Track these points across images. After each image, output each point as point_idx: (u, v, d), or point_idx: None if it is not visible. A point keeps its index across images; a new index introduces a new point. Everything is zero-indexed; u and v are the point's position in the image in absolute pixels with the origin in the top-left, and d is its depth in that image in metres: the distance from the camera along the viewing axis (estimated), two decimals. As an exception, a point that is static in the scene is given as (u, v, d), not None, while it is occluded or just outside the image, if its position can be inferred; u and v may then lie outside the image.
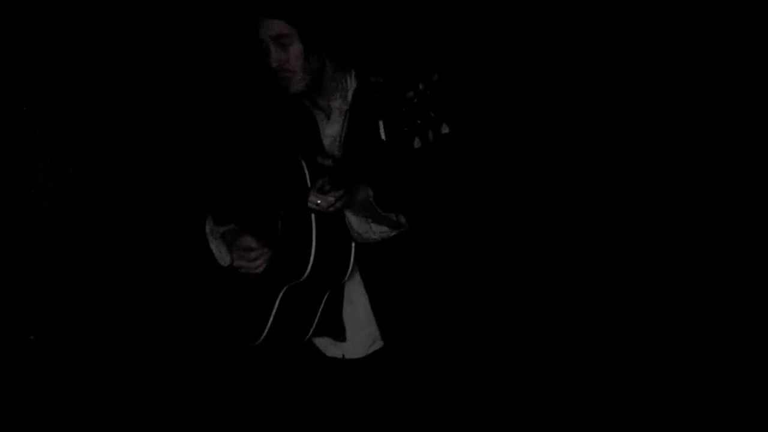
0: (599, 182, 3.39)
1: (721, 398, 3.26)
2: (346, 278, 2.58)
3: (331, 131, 2.65)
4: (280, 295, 2.60)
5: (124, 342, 3.78)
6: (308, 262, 2.46)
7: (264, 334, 2.63)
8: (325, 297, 2.63)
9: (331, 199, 2.33)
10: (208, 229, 2.83)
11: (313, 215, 2.45)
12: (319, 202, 2.34)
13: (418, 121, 2.01)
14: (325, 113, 2.66)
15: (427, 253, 2.60)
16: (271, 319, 2.63)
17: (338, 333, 2.66)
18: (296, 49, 2.50)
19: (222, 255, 2.79)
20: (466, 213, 2.51)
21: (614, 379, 3.46)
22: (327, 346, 2.70)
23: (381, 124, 2.10)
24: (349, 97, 2.62)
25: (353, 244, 2.53)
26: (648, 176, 3.39)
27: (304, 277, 2.50)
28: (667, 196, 3.42)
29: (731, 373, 3.29)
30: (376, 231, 2.49)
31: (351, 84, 2.63)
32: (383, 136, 2.09)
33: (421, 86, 2.02)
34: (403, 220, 2.49)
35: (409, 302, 2.60)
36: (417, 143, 2.03)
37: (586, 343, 3.49)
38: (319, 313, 2.65)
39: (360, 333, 2.64)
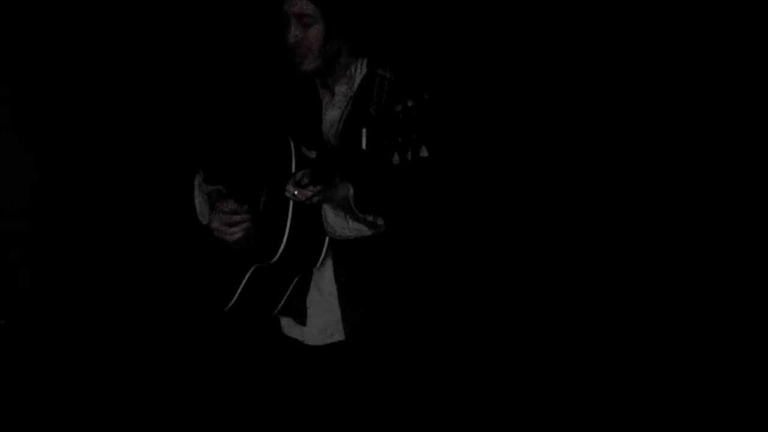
0: (579, 199, 3.35)
1: (721, 398, 3.23)
2: (316, 267, 2.56)
3: (332, 115, 2.60)
4: (250, 271, 2.59)
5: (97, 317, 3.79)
6: (279, 247, 2.44)
7: (231, 303, 2.63)
8: (295, 280, 2.62)
9: (308, 192, 2.29)
10: (197, 182, 2.82)
11: (291, 202, 2.42)
12: (296, 192, 2.30)
13: (399, 139, 1.96)
14: (331, 96, 2.62)
15: (401, 254, 2.56)
16: (239, 291, 2.63)
17: (300, 316, 2.65)
18: (317, 30, 2.46)
19: (203, 212, 2.78)
20: (444, 223, 2.46)
21: (586, 379, 3.44)
22: (289, 326, 2.70)
23: (364, 132, 2.06)
24: (356, 85, 2.58)
25: (327, 237, 2.50)
26: (639, 189, 3.35)
27: (272, 261, 2.48)
28: (660, 204, 3.37)
29: (731, 373, 3.25)
30: (351, 228, 2.46)
31: (360, 71, 2.58)
32: (363, 145, 2.05)
33: (410, 103, 1.97)
34: (380, 222, 2.45)
35: (377, 300, 2.57)
36: (396, 159, 1.99)
37: (560, 345, 3.46)
38: (287, 294, 2.64)
39: (321, 320, 2.62)
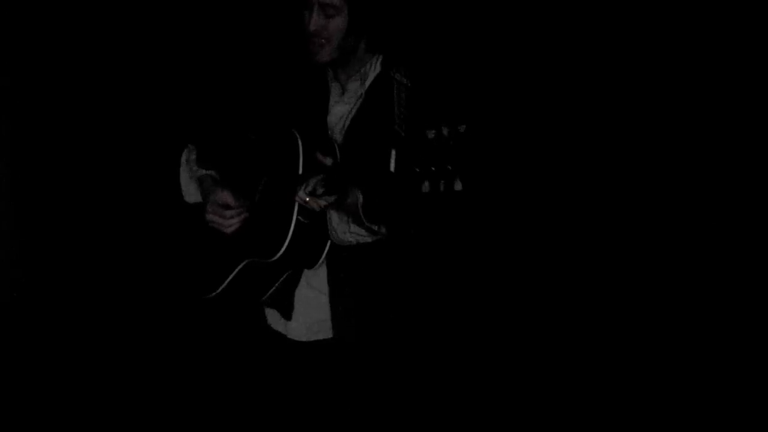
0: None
1: (721, 398, 3.25)
2: (313, 268, 2.51)
3: (340, 110, 2.53)
4: (242, 264, 2.52)
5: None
6: (280, 248, 2.37)
7: (217, 291, 2.58)
8: (285, 275, 2.56)
9: (322, 202, 2.22)
10: (184, 158, 2.72)
11: (296, 204, 2.35)
12: (307, 200, 2.23)
13: (433, 168, 1.90)
14: (342, 89, 2.54)
15: (398, 262, 2.52)
16: (228, 281, 2.57)
17: (286, 310, 2.59)
18: (340, 22, 2.38)
19: (189, 190, 2.69)
20: (453, 240, 2.43)
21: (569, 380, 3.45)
22: (274, 319, 2.65)
23: (393, 153, 1.99)
24: (368, 83, 2.51)
25: (329, 240, 2.45)
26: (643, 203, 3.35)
27: (271, 260, 2.42)
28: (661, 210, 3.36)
29: (731, 374, 3.27)
30: (354, 233, 2.40)
31: (374, 69, 2.51)
32: (392, 167, 1.98)
33: (445, 131, 1.90)
34: (383, 230, 2.40)
35: (369, 302, 2.52)
36: (426, 188, 1.92)
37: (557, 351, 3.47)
38: (275, 287, 2.58)
39: (307, 317, 2.57)
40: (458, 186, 1.87)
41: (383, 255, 2.47)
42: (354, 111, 2.50)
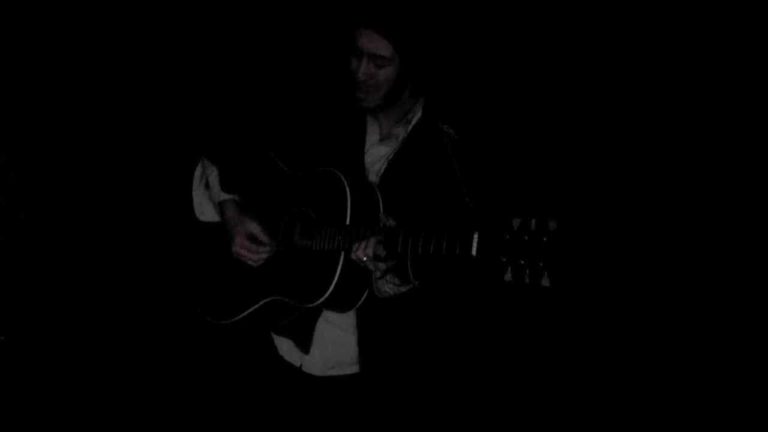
0: None
1: (722, 398, 3.18)
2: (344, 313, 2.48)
3: (379, 151, 2.49)
4: (267, 300, 2.48)
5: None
6: (321, 296, 2.33)
7: (234, 320, 2.55)
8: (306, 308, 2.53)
9: (382, 266, 2.20)
10: (197, 173, 2.63)
11: (342, 254, 2.31)
12: (364, 259, 2.20)
13: (522, 261, 1.90)
14: (382, 130, 2.50)
15: (428, 311, 2.52)
16: (246, 312, 2.53)
17: (304, 344, 2.56)
18: (389, 72, 2.34)
19: (203, 210, 2.63)
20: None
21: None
22: (287, 350, 2.61)
23: (476, 236, 1.98)
24: (410, 127, 2.47)
25: (367, 290, 2.42)
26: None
27: (305, 306, 2.38)
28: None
29: (731, 374, 3.21)
30: (390, 285, 2.37)
31: (417, 113, 2.48)
32: (474, 251, 1.98)
33: (533, 225, 1.91)
34: (418, 282, 2.39)
35: (396, 344, 2.51)
36: (508, 277, 1.93)
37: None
38: (291, 317, 2.55)
39: (326, 352, 2.55)
40: (545, 282, 1.88)
41: (416, 302, 2.46)
42: (392, 155, 2.46)
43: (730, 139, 2.97)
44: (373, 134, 2.50)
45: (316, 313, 2.54)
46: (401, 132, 2.48)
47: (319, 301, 2.33)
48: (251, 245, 2.47)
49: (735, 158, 2.99)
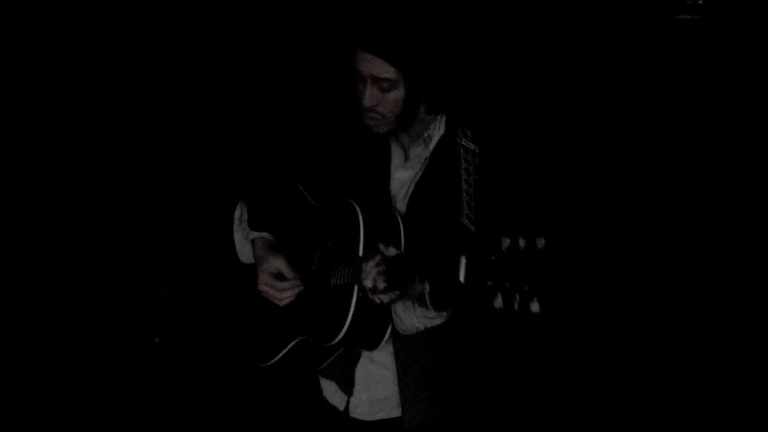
0: None
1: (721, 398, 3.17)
2: (373, 351, 2.32)
3: (403, 176, 2.33)
4: (295, 341, 2.35)
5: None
6: (337, 335, 2.18)
7: (270, 363, 2.43)
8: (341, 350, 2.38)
9: (385, 298, 2.03)
10: (237, 215, 2.55)
11: (356, 288, 2.15)
12: (368, 289, 2.04)
13: (507, 284, 1.68)
14: (405, 154, 2.33)
15: (469, 336, 2.32)
16: (281, 355, 2.41)
17: (347, 385, 2.41)
18: (396, 95, 2.17)
19: (244, 252, 2.53)
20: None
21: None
22: (331, 391, 2.47)
23: (463, 260, 1.78)
24: (432, 145, 2.29)
25: (391, 325, 2.25)
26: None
27: (326, 345, 2.23)
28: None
29: (731, 374, 3.19)
30: (421, 318, 2.19)
31: (439, 129, 2.30)
32: (462, 278, 1.77)
33: (521, 243, 1.68)
34: (451, 312, 2.19)
35: (439, 384, 2.33)
36: (498, 303, 1.71)
37: None
38: (332, 359, 2.40)
39: (371, 393, 2.39)
40: (535, 308, 1.66)
41: (452, 331, 2.27)
42: (418, 177, 2.30)
43: (715, 160, 3.08)
44: (397, 158, 2.35)
45: (356, 352, 2.38)
46: (422, 152, 2.30)
47: (337, 339, 2.18)
48: (274, 282, 2.35)
49: (720, 179, 3.09)
